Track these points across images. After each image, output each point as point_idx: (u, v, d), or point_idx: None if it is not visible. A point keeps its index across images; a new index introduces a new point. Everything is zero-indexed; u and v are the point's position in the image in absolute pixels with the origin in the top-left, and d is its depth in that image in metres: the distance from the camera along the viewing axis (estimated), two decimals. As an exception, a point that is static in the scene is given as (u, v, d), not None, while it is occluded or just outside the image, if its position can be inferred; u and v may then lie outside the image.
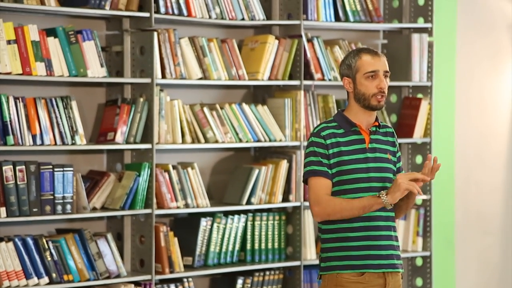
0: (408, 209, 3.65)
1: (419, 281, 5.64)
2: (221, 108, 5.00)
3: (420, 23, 5.61)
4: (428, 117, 5.58)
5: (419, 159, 5.64)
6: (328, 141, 3.51)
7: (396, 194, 3.41)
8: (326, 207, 3.46)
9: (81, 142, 4.53)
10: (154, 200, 4.72)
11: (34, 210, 4.40)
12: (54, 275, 4.44)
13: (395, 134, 3.65)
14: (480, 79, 6.05)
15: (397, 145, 3.65)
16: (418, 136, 5.56)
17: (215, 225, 4.97)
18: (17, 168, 4.36)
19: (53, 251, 4.46)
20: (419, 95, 5.63)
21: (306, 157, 3.54)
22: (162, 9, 4.75)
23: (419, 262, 5.65)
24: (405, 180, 3.40)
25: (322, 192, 3.48)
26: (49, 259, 4.44)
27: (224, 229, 5.01)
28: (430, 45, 5.57)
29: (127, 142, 4.69)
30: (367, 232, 3.49)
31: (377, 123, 3.58)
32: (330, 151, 3.50)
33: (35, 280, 4.40)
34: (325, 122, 3.57)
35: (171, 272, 4.79)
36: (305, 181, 3.54)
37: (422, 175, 3.43)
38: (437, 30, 5.62)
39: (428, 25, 5.57)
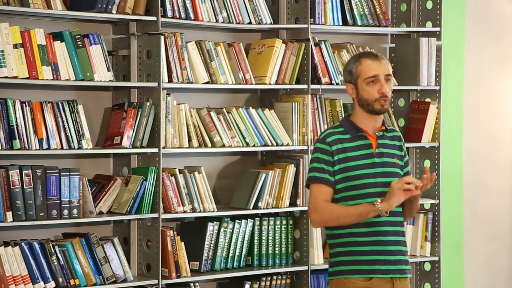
0: (413, 214, 3.64)
1: (427, 286, 5.61)
2: (228, 112, 4.99)
3: (428, 27, 5.59)
4: (436, 121, 5.56)
5: (427, 163, 5.62)
6: (334, 147, 3.49)
7: (391, 200, 3.39)
8: (323, 213, 3.46)
9: (87, 146, 4.53)
10: (161, 204, 4.71)
11: (41, 214, 4.39)
12: (60, 279, 4.44)
13: (402, 138, 3.64)
14: (488, 82, 6.02)
15: (405, 149, 3.63)
16: (426, 140, 5.54)
17: (222, 229, 4.96)
18: (24, 172, 4.36)
19: (59, 255, 4.45)
20: (427, 99, 5.61)
21: (310, 162, 3.56)
22: (169, 13, 4.74)
23: (427, 267, 5.63)
24: (398, 185, 3.38)
25: (320, 198, 3.47)
26: (56, 263, 4.44)
27: (231, 233, 4.99)
28: (439, 49, 5.55)
29: (133, 146, 4.68)
30: (375, 237, 3.48)
31: (384, 127, 3.57)
32: (336, 157, 3.49)
33: (41, 284, 4.39)
34: (332, 127, 3.56)
35: (178, 276, 4.78)
36: (307, 186, 3.54)
37: (415, 179, 3.40)
38: (445, 34, 5.59)
39: (436, 29, 5.55)
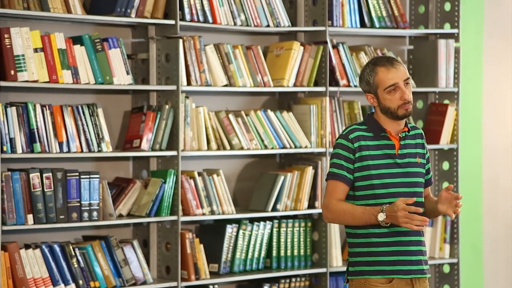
0: (435, 216, 3.65)
1: (446, 288, 5.61)
2: (246, 115, 5.00)
3: (447, 28, 5.58)
4: (455, 123, 5.54)
5: (446, 165, 5.61)
6: (356, 144, 3.49)
7: (391, 220, 3.41)
8: (332, 212, 3.48)
9: (107, 149, 4.56)
10: (180, 207, 4.73)
11: (61, 217, 4.42)
12: (80, 282, 4.46)
13: (424, 135, 3.63)
14: (507, 84, 6.00)
15: (426, 146, 3.63)
16: (445, 142, 5.53)
17: (240, 232, 4.97)
18: (44, 175, 4.39)
19: (79, 258, 4.48)
20: (446, 101, 5.60)
21: (331, 158, 3.55)
22: (188, 17, 4.76)
23: (446, 269, 5.61)
24: (403, 215, 3.35)
25: (334, 196, 3.49)
26: (76, 266, 4.47)
27: (250, 235, 5.00)
28: (457, 51, 5.54)
29: (152, 149, 4.70)
30: (397, 238, 3.47)
31: (406, 129, 3.56)
32: (357, 155, 3.49)
33: (62, 287, 4.42)
34: (357, 123, 3.55)
35: (197, 279, 4.80)
36: (327, 181, 3.56)
37: (416, 208, 3.39)
38: (463, 35, 5.58)
39: (455, 30, 5.54)
